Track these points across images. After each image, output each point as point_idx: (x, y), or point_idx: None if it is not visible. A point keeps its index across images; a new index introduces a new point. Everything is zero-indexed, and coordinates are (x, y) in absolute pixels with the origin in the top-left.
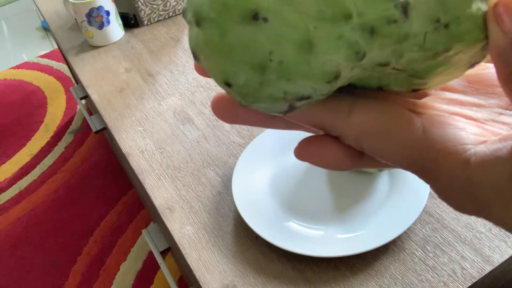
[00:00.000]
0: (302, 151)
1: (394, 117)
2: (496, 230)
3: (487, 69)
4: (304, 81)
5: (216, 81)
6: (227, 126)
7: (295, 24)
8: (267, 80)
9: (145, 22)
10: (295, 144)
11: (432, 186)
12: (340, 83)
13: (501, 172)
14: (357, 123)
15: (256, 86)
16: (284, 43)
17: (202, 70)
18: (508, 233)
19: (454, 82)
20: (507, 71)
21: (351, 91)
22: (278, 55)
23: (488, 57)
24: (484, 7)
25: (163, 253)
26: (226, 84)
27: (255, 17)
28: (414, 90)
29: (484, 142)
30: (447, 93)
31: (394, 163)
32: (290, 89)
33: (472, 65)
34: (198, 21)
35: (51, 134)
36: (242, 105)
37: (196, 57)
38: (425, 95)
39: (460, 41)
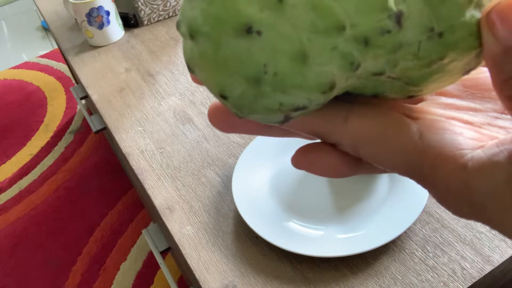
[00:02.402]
0: (299, 160)
1: (390, 122)
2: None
3: (483, 73)
4: (299, 92)
5: (212, 93)
6: None
7: (289, 36)
8: (262, 92)
9: (145, 22)
10: (295, 144)
11: (430, 191)
12: (335, 92)
13: (498, 177)
14: (354, 129)
15: (251, 98)
16: (278, 56)
17: (198, 80)
18: None
19: (450, 87)
20: (501, 78)
21: (347, 98)
22: (272, 67)
23: (484, 62)
24: (478, 14)
25: (163, 253)
26: (222, 96)
27: (248, 30)
28: (410, 97)
29: (481, 147)
30: (443, 98)
31: (391, 169)
32: (285, 101)
33: (467, 72)
34: (191, 34)
35: (51, 134)
36: (238, 116)
37: (191, 69)
38: (421, 100)
39: (454, 49)
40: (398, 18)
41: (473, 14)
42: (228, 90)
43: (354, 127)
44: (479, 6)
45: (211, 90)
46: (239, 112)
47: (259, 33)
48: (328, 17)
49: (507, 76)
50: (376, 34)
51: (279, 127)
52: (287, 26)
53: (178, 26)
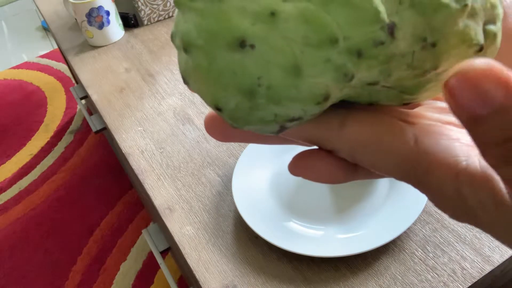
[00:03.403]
0: (296, 167)
1: (386, 128)
2: None
3: None
4: (293, 104)
5: (207, 104)
6: None
7: (282, 49)
8: (257, 104)
9: (145, 22)
10: (295, 143)
11: (426, 195)
12: (330, 103)
13: (487, 191)
14: (350, 135)
15: (246, 110)
16: (272, 69)
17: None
18: None
19: None
20: (481, 147)
21: (342, 105)
22: (266, 80)
23: None
24: (471, 23)
25: (163, 253)
26: (217, 108)
27: (242, 44)
28: (405, 104)
29: (478, 154)
30: (439, 102)
31: (388, 174)
32: (280, 112)
33: None
34: (185, 47)
35: (51, 134)
36: (234, 127)
37: (186, 81)
38: (418, 105)
39: (448, 58)
40: (391, 29)
41: (466, 23)
42: (222, 102)
43: (350, 133)
44: (472, 15)
45: (206, 102)
46: (235, 123)
47: (252, 46)
48: (320, 30)
49: (486, 145)
50: (369, 45)
51: (275, 135)
52: (280, 39)
53: (172, 38)
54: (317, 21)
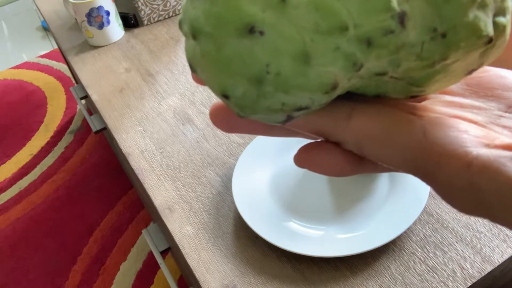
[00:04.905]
0: (302, 159)
1: (394, 120)
2: (496, 230)
3: (486, 72)
4: (301, 92)
5: (214, 92)
6: None
7: (292, 36)
8: (265, 92)
9: (145, 22)
10: (295, 144)
11: (434, 188)
12: (338, 93)
13: (503, 179)
14: (357, 127)
15: (253, 98)
16: (280, 56)
17: (199, 79)
18: (508, 233)
19: (453, 86)
20: None
21: (349, 97)
22: (275, 67)
23: (487, 61)
24: (481, 15)
25: (163, 253)
26: (224, 96)
27: (251, 30)
28: (412, 97)
29: (487, 145)
30: (446, 96)
31: (395, 166)
32: (287, 101)
33: (469, 72)
34: (194, 34)
35: (51, 134)
36: (240, 116)
37: (193, 69)
38: (424, 98)
39: (458, 49)
40: (401, 19)
41: (476, 14)
42: (230, 90)
43: (358, 125)
44: (482, 6)
45: (213, 89)
46: (241, 112)
47: (261, 33)
48: (331, 17)
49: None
50: (379, 34)
51: (281, 126)
52: (290, 26)
53: (180, 26)
54: (328, 8)
